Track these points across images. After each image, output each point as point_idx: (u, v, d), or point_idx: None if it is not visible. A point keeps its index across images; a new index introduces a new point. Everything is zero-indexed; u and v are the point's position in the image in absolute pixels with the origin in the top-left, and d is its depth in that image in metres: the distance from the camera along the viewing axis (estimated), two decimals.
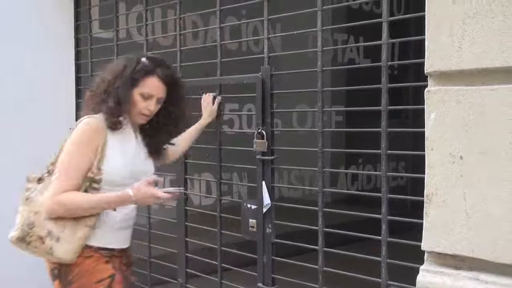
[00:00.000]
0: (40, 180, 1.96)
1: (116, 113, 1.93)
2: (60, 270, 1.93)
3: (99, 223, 1.92)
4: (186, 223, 2.80)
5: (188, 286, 2.80)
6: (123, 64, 1.99)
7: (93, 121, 1.93)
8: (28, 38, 3.32)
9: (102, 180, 1.89)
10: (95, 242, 1.92)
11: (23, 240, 1.88)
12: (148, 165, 2.08)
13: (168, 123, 2.09)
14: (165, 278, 2.99)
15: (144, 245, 3.02)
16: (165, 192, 1.89)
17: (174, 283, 2.84)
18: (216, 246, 2.66)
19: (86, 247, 1.91)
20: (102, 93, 1.96)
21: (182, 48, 2.83)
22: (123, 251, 2.05)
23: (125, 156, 1.97)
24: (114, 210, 1.94)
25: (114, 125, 1.93)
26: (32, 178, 1.98)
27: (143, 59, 1.99)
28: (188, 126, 2.38)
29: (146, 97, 1.96)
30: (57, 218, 1.87)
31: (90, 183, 1.89)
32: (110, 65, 2.07)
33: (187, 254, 2.80)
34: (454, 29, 1.40)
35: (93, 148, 1.89)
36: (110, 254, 1.98)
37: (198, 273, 2.78)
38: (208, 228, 2.70)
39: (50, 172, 1.96)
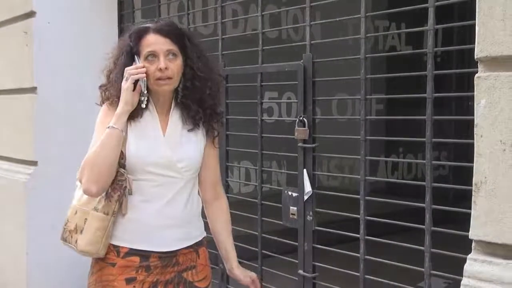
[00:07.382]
0: None
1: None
2: (91, 267, 1.80)
3: (126, 213, 1.71)
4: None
5: None
6: (118, 48, 1.79)
7: (107, 103, 1.77)
8: (73, 28, 3.39)
9: (125, 165, 1.71)
10: (121, 242, 1.71)
11: (62, 238, 1.77)
12: (183, 149, 1.76)
13: (192, 82, 1.74)
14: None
15: None
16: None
17: (216, 269, 2.88)
18: (256, 233, 2.68)
19: (114, 248, 1.72)
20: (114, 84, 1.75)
21: (224, 37, 2.85)
22: (169, 256, 1.75)
23: (144, 140, 1.73)
24: (130, 193, 1.72)
25: (134, 116, 1.73)
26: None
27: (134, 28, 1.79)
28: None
29: (151, 60, 1.69)
30: (81, 211, 1.73)
31: (118, 166, 1.71)
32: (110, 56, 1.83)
33: None
34: (507, 12, 1.36)
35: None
36: (146, 261, 1.71)
37: (239, 259, 2.80)
38: (249, 215, 2.72)
39: None
